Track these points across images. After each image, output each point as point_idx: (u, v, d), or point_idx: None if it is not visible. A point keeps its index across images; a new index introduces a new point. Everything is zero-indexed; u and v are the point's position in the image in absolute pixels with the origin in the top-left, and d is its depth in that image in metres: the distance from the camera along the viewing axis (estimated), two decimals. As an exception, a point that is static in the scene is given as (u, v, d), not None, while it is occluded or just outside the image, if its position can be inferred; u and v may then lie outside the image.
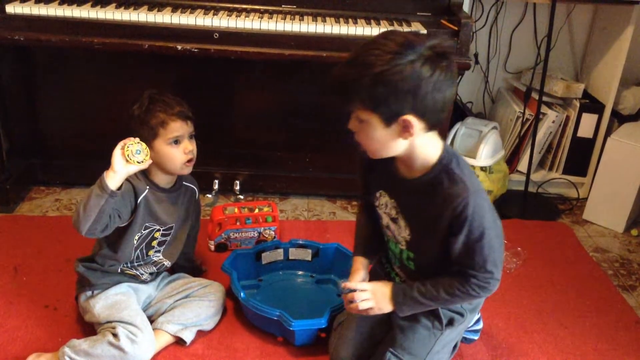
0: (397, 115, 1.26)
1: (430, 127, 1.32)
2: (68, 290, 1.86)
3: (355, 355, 1.63)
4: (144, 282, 1.82)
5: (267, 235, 2.23)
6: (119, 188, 1.55)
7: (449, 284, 1.42)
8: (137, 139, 1.58)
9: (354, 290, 1.50)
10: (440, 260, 1.44)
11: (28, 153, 2.54)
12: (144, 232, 1.71)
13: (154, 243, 1.76)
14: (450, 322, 1.56)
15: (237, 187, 2.52)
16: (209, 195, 2.52)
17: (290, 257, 2.10)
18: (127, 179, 1.60)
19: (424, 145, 1.35)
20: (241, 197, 2.53)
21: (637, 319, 2.02)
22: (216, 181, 2.52)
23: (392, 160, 1.43)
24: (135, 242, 1.70)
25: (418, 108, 1.26)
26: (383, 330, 1.62)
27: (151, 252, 1.77)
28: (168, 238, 1.79)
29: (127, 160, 1.54)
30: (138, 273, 1.79)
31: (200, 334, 1.80)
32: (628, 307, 2.07)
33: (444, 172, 1.36)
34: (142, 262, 1.77)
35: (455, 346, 1.68)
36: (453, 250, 1.38)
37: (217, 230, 2.17)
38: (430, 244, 1.44)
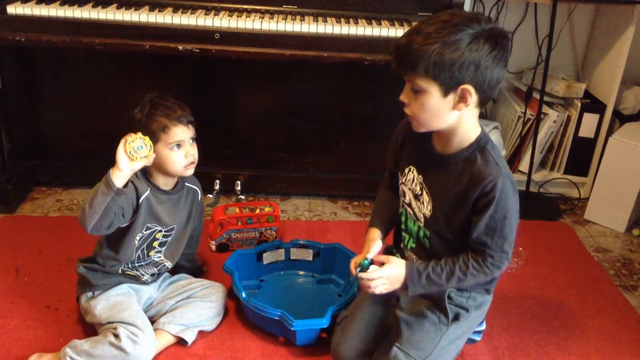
0: (458, 84, 1.31)
1: (482, 101, 1.37)
2: (69, 290, 1.86)
3: (358, 350, 1.64)
4: (145, 283, 1.82)
5: (268, 236, 2.23)
6: (125, 185, 1.56)
7: (464, 262, 1.46)
8: (139, 134, 1.57)
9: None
10: (455, 239, 1.49)
11: (29, 154, 2.54)
12: (145, 232, 1.71)
13: (155, 244, 1.76)
14: (456, 317, 1.57)
15: (239, 188, 2.53)
16: (210, 196, 2.52)
17: (292, 257, 2.10)
18: (130, 180, 1.61)
19: (468, 122, 1.40)
20: (242, 197, 2.53)
21: (638, 319, 2.01)
22: (217, 181, 2.52)
23: (428, 135, 1.48)
24: (136, 242, 1.70)
25: (477, 80, 1.31)
26: (387, 326, 1.64)
27: (152, 253, 1.77)
28: (169, 239, 1.79)
29: (130, 157, 1.54)
30: (139, 274, 1.79)
31: (201, 334, 1.80)
32: (630, 307, 2.07)
33: (479, 151, 1.41)
34: (143, 263, 1.77)
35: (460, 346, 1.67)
36: (475, 228, 1.42)
37: (218, 231, 2.18)
38: (450, 221, 1.48)
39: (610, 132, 2.65)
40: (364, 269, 1.49)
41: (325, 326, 1.72)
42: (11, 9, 2.03)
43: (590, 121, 2.70)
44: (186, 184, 1.81)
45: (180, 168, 1.69)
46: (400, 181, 1.60)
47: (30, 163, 2.54)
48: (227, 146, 2.56)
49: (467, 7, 2.46)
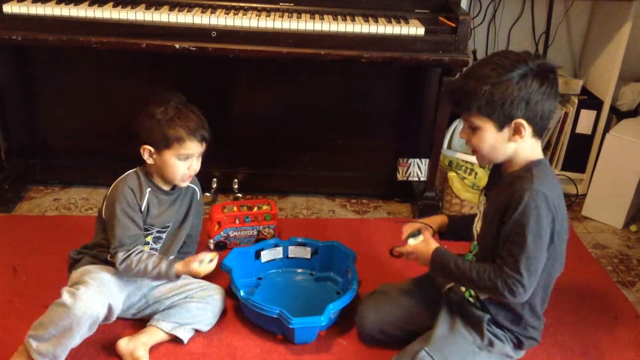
0: (511, 119, 1.43)
1: (536, 132, 1.48)
2: (67, 289, 1.86)
3: (382, 330, 1.75)
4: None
5: (266, 234, 2.23)
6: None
7: (483, 268, 1.48)
8: (213, 255, 1.73)
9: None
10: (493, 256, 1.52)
11: (26, 153, 2.54)
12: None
13: (148, 238, 1.76)
14: (491, 344, 1.59)
15: (236, 186, 2.52)
16: (208, 194, 2.52)
17: (290, 255, 2.10)
18: (130, 188, 1.67)
19: (526, 150, 1.49)
20: (240, 195, 2.53)
21: (636, 314, 2.02)
22: (215, 180, 2.52)
23: (500, 164, 1.57)
24: None
25: (529, 114, 1.43)
26: (420, 321, 1.70)
27: (146, 248, 1.76)
28: (163, 235, 1.79)
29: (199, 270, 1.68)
30: None
31: (199, 332, 1.80)
32: (627, 303, 2.07)
33: (527, 170, 1.48)
34: None
35: None
36: (500, 238, 1.47)
37: (216, 229, 2.17)
38: (490, 237, 1.53)
39: (607, 128, 2.65)
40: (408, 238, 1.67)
41: (323, 324, 1.72)
42: (7, 8, 2.03)
43: (587, 118, 2.70)
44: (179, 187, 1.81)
45: (178, 178, 1.71)
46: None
47: (28, 162, 2.54)
48: (225, 144, 2.54)
49: (464, 4, 2.47)
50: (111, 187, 1.73)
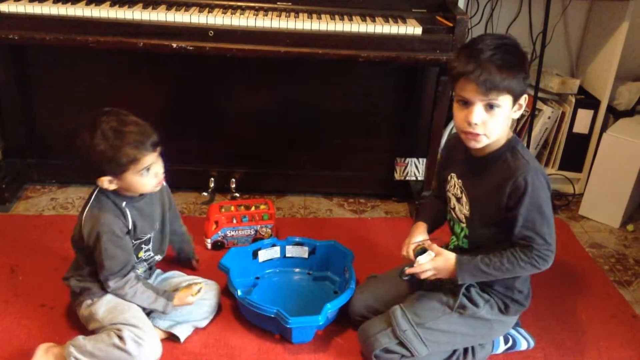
0: (523, 92, 1.52)
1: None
2: (64, 289, 1.85)
3: (369, 307, 1.79)
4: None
5: (263, 233, 2.23)
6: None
7: (512, 255, 1.55)
8: (199, 287, 1.76)
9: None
10: (492, 237, 1.61)
11: (23, 152, 2.53)
12: (134, 242, 1.72)
13: (143, 245, 1.76)
14: (462, 307, 1.65)
15: (234, 185, 2.52)
16: (205, 194, 2.52)
17: (287, 255, 2.10)
18: (113, 215, 1.63)
19: (508, 126, 1.56)
20: (237, 195, 2.53)
21: (633, 313, 2.02)
22: (212, 179, 2.51)
23: (462, 143, 1.60)
24: None
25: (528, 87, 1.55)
26: (403, 299, 1.73)
27: (141, 253, 1.76)
28: (152, 233, 1.78)
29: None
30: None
31: (197, 331, 1.80)
32: (624, 302, 2.08)
33: (509, 150, 1.56)
34: (134, 264, 1.75)
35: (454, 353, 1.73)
36: (515, 224, 1.52)
37: (213, 229, 2.17)
38: (485, 219, 1.61)
39: (604, 127, 2.65)
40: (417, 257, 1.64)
41: (320, 323, 1.72)
42: (4, 7, 2.02)
43: (584, 117, 2.71)
44: None
45: (150, 188, 1.65)
46: (446, 190, 1.74)
47: (25, 161, 2.54)
48: (222, 144, 2.55)
49: (461, 3, 2.47)
50: (85, 219, 1.64)
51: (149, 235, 1.75)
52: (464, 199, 1.65)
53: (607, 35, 2.62)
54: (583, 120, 2.71)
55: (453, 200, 1.70)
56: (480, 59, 1.46)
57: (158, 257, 1.84)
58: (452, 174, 1.70)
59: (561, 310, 2.01)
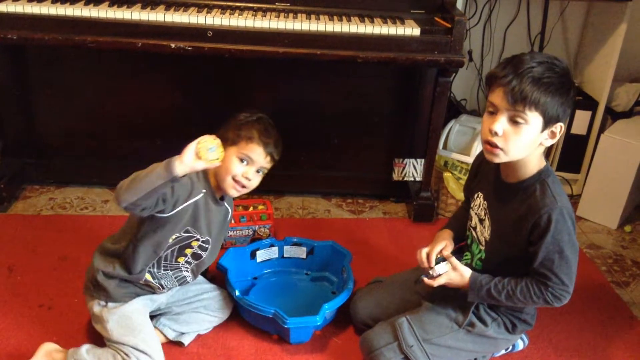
0: (557, 120, 1.43)
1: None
2: (62, 289, 1.86)
3: (372, 314, 1.77)
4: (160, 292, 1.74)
5: (261, 233, 2.23)
6: (183, 176, 1.47)
7: (526, 287, 1.52)
8: (216, 138, 1.48)
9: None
10: (508, 267, 1.57)
11: (22, 152, 2.53)
12: (182, 234, 1.61)
13: (188, 251, 1.66)
14: (472, 325, 1.63)
15: (232, 185, 2.52)
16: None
17: (285, 255, 2.10)
18: (189, 176, 1.53)
19: (538, 155, 1.51)
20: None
21: (630, 314, 2.03)
22: (211, 179, 2.51)
23: (497, 165, 1.57)
24: (171, 240, 1.61)
25: (566, 119, 1.45)
26: (412, 309, 1.71)
27: (181, 259, 1.67)
28: (204, 254, 1.70)
29: (198, 155, 1.45)
30: (159, 285, 1.69)
31: (195, 332, 1.80)
32: (622, 303, 2.08)
33: (539, 182, 1.50)
34: (168, 268, 1.67)
35: None
36: (534, 258, 1.49)
37: (211, 229, 2.17)
38: (504, 247, 1.57)
39: (602, 129, 2.66)
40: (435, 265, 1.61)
41: (318, 323, 1.73)
42: (2, 7, 2.02)
43: (582, 118, 2.71)
44: (225, 201, 1.73)
45: (230, 180, 1.61)
46: (470, 206, 1.71)
47: (23, 161, 2.54)
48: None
49: (460, 4, 2.47)
50: None
51: (197, 236, 1.65)
52: (487, 222, 1.61)
53: (605, 37, 2.62)
54: (581, 122, 2.72)
55: (475, 220, 1.67)
56: (519, 67, 1.40)
57: (189, 278, 1.74)
58: (480, 193, 1.66)
59: (558, 311, 2.01)
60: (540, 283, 1.51)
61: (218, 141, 1.48)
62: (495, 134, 1.43)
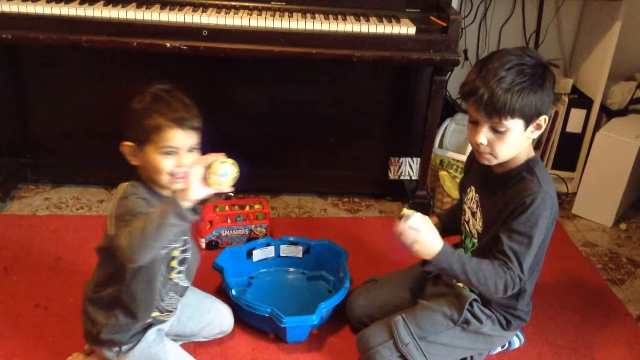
0: (539, 115, 1.44)
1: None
2: (58, 289, 1.86)
3: (370, 314, 1.77)
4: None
5: (258, 233, 2.23)
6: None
7: (492, 264, 1.48)
8: (228, 160, 1.35)
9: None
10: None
11: (17, 152, 2.52)
12: (162, 252, 1.46)
13: (173, 263, 1.56)
14: (466, 322, 1.63)
15: (228, 185, 2.52)
16: (200, 193, 2.51)
17: (282, 254, 2.10)
18: (143, 198, 1.40)
19: (527, 145, 1.53)
20: (232, 194, 2.52)
21: (626, 312, 2.03)
22: (207, 179, 2.51)
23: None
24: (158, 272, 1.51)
25: (549, 108, 1.47)
26: (405, 307, 1.72)
27: (173, 274, 1.57)
28: (187, 254, 1.60)
29: (207, 182, 1.32)
30: (169, 310, 1.61)
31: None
32: (617, 300, 2.09)
33: (527, 170, 1.52)
34: (168, 291, 1.58)
35: None
36: (501, 239, 1.48)
37: (207, 228, 2.17)
38: (492, 235, 1.55)
39: (597, 127, 2.66)
40: (408, 216, 1.44)
41: (315, 322, 1.73)
42: (-3, 7, 2.02)
43: (577, 116, 2.72)
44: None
45: (164, 178, 1.41)
46: (463, 202, 1.72)
47: (18, 161, 2.53)
48: (215, 143, 2.53)
49: (455, 3, 2.47)
50: (112, 213, 1.44)
51: (180, 247, 1.55)
52: (479, 214, 1.63)
53: (600, 35, 2.63)
54: (576, 120, 2.72)
55: (468, 214, 1.68)
56: (488, 79, 1.39)
57: (186, 284, 1.64)
58: (472, 187, 1.67)
59: (554, 308, 2.02)
60: (502, 264, 1.48)
61: (226, 159, 1.32)
62: (480, 144, 1.47)
